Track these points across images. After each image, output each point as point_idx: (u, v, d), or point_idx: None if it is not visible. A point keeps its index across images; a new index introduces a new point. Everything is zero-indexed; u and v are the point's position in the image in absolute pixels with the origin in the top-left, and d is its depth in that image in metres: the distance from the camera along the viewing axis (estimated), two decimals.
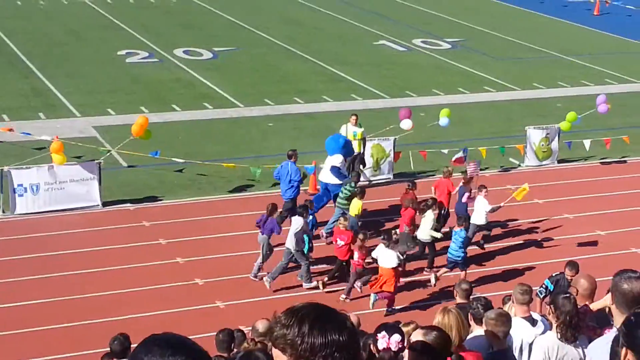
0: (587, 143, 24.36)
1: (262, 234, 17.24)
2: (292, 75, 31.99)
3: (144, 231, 19.46)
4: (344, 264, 17.36)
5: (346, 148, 20.37)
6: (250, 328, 10.51)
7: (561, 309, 8.32)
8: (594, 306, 9.72)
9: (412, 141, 23.38)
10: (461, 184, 19.36)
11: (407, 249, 17.90)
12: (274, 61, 33.68)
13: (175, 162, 22.40)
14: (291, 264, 17.29)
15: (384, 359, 6.40)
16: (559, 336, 8.31)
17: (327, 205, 19.91)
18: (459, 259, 17.28)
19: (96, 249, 18.45)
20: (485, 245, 19.08)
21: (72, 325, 15.56)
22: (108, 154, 22.26)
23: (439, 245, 18.31)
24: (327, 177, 19.90)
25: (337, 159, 19.96)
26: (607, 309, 8.90)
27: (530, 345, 8.77)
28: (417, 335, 6.16)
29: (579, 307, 8.67)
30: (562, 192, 22.44)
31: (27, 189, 19.74)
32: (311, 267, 17.42)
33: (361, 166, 21.74)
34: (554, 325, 8.38)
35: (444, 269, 17.51)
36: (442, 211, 19.13)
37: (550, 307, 8.57)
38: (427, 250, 18.28)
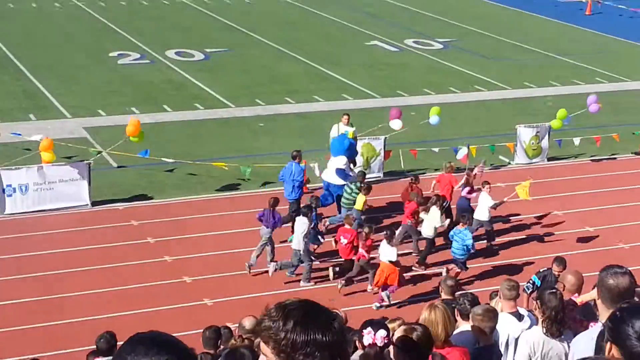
0: (576, 140, 24.43)
1: (267, 228, 17.35)
2: (284, 76, 31.94)
3: (132, 230, 19.44)
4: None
5: (350, 150, 20.47)
6: (237, 325, 10.52)
7: (547, 305, 8.37)
8: (582, 299, 9.75)
9: (403, 140, 23.40)
10: (464, 179, 19.50)
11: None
12: (265, 62, 33.63)
13: (165, 162, 22.37)
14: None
15: (370, 354, 6.39)
16: (544, 331, 8.35)
17: (328, 206, 19.98)
18: (462, 257, 17.33)
19: (84, 248, 18.42)
20: (487, 242, 19.21)
21: (59, 324, 15.56)
22: (98, 155, 22.21)
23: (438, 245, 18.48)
24: (330, 176, 19.97)
25: (341, 161, 20.01)
26: (593, 302, 8.92)
27: (517, 340, 8.78)
28: (401, 332, 6.20)
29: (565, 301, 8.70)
30: (551, 189, 22.47)
31: (15, 189, 19.73)
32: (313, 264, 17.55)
33: (352, 165, 21.74)
34: (540, 320, 8.40)
35: (457, 269, 17.53)
36: (444, 204, 19.24)
37: (536, 302, 8.60)
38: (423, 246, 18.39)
